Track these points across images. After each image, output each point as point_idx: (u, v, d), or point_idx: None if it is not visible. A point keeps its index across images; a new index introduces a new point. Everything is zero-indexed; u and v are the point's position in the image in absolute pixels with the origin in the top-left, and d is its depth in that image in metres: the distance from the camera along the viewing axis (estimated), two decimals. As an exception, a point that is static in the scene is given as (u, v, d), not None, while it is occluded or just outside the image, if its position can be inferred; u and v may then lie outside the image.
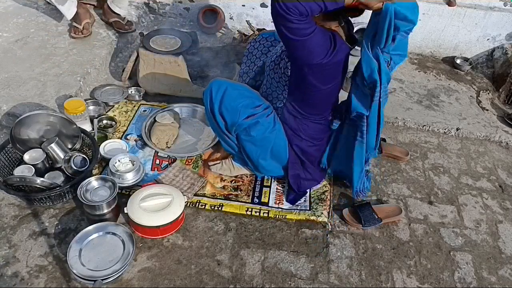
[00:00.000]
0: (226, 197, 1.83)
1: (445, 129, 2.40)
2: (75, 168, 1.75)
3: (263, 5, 2.92)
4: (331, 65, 1.51)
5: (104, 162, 1.92)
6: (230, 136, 1.74)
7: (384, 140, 2.21)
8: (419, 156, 2.21)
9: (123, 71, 2.42)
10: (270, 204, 1.82)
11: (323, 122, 1.73)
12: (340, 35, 1.52)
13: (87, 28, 2.59)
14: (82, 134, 1.89)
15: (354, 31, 1.63)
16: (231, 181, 1.91)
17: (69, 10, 2.50)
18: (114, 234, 1.57)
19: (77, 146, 1.89)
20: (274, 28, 1.79)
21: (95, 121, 2.09)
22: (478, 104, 2.65)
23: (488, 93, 2.76)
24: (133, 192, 1.71)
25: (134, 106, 2.30)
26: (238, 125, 1.65)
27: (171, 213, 1.62)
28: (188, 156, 2.00)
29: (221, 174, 1.93)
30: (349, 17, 1.56)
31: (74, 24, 2.57)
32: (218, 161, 1.94)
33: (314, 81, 1.55)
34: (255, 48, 2.00)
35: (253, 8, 2.96)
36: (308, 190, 1.89)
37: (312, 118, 1.70)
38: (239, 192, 1.87)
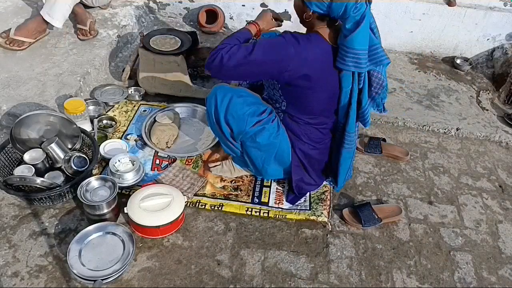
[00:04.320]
0: (226, 197, 1.83)
1: (445, 129, 2.40)
2: (75, 168, 1.75)
3: (263, 5, 2.93)
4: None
5: (104, 162, 1.92)
6: (234, 143, 1.73)
7: (384, 140, 2.21)
8: (419, 156, 2.21)
9: (123, 71, 2.42)
10: (270, 204, 1.82)
11: (324, 127, 1.72)
12: (321, 34, 1.51)
13: (93, 28, 2.57)
14: (82, 134, 1.88)
15: None
16: (231, 181, 1.91)
17: (60, 19, 2.42)
18: (114, 234, 1.57)
19: (77, 146, 1.89)
20: (274, 28, 1.79)
21: (95, 121, 2.09)
22: (478, 104, 2.65)
23: (488, 93, 2.76)
24: (133, 192, 1.72)
25: (134, 106, 2.30)
26: (245, 133, 1.64)
27: (171, 213, 1.62)
28: (188, 156, 2.00)
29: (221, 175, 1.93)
30: None
31: (80, 26, 2.55)
32: (219, 163, 1.93)
33: (305, 84, 1.54)
34: None
35: (253, 8, 2.97)
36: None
37: (313, 123, 1.69)
38: (239, 192, 1.86)
